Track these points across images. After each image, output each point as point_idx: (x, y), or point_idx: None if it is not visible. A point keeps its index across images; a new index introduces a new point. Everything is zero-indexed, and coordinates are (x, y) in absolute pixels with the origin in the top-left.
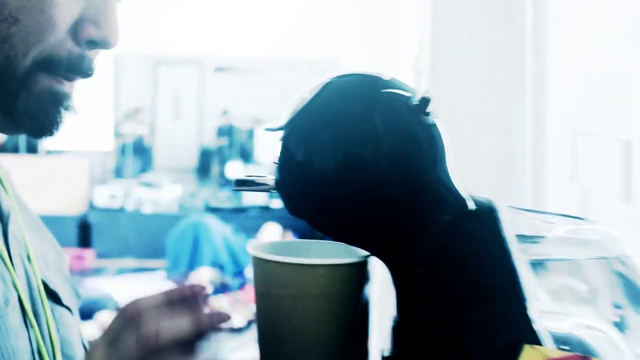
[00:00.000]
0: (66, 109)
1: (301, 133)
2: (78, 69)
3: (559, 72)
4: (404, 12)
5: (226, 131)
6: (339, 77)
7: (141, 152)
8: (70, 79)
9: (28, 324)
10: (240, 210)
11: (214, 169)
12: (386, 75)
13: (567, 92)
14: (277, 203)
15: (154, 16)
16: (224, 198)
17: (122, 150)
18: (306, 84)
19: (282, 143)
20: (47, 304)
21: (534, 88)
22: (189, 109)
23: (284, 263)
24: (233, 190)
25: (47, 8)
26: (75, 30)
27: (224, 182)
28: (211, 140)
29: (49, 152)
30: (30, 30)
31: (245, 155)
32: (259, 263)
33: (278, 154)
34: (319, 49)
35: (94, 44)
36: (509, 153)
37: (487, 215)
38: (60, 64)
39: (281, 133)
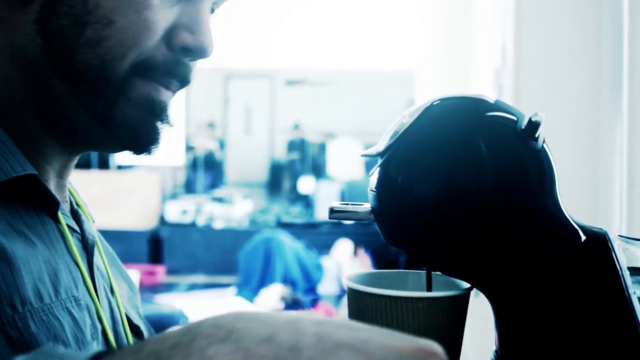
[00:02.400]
0: (164, 121)
1: (402, 159)
2: (175, 73)
3: None
4: (483, 23)
5: (297, 145)
6: (440, 100)
7: (212, 166)
8: (168, 86)
9: None
10: (312, 225)
11: (285, 183)
12: (490, 97)
13: None
14: None
15: (225, 29)
16: (295, 213)
17: (193, 164)
18: (380, 97)
19: (381, 169)
20: (131, 338)
21: (629, 105)
22: (260, 123)
23: (381, 296)
24: (329, 218)
25: (142, 9)
26: (169, 37)
27: (296, 197)
28: (282, 155)
29: (119, 167)
30: (126, 32)
31: (317, 170)
32: (355, 295)
33: (375, 181)
34: (393, 61)
35: (188, 51)
36: (598, 175)
37: (598, 245)
38: (157, 68)
39: (379, 160)
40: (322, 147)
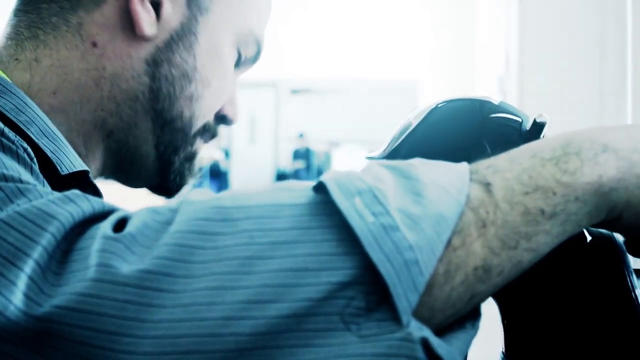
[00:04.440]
0: (194, 169)
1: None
2: (216, 135)
3: None
4: (486, 30)
5: (302, 154)
6: (445, 102)
7: (217, 175)
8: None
9: None
10: None
11: None
12: (495, 99)
13: None
14: None
15: None
16: None
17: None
18: (384, 105)
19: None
20: None
21: (634, 111)
22: (264, 132)
23: None
24: None
25: (225, 77)
26: None
27: None
28: (287, 164)
29: None
30: (215, 95)
31: None
32: None
33: None
34: (398, 70)
35: (225, 120)
36: None
37: (604, 246)
38: (210, 130)
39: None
40: (327, 156)
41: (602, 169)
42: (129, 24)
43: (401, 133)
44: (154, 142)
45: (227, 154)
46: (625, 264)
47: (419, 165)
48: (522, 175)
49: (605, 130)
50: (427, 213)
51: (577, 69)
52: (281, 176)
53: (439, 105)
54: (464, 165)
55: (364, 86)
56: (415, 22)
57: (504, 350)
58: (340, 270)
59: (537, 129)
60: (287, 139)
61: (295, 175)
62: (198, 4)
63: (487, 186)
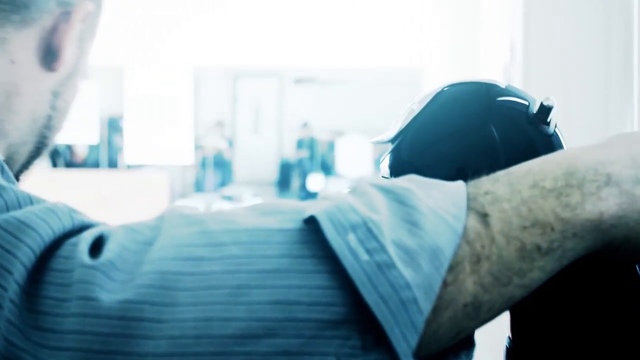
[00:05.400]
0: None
1: (413, 144)
2: None
3: None
4: (491, 18)
5: (306, 143)
6: (450, 85)
7: (221, 165)
8: None
9: None
10: None
11: (295, 181)
12: (502, 82)
13: None
14: None
15: (232, 28)
16: None
17: (203, 164)
18: (388, 94)
19: (392, 155)
20: None
21: None
22: (268, 122)
23: None
24: None
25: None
26: None
27: (305, 195)
28: (291, 153)
29: (129, 166)
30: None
31: (326, 168)
32: None
33: (386, 167)
34: (402, 59)
35: None
36: None
37: None
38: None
39: (389, 147)
40: (331, 145)
41: (604, 205)
42: (46, 54)
43: (407, 117)
44: (27, 159)
45: (231, 143)
46: None
47: (416, 189)
48: (522, 207)
49: (608, 153)
50: (424, 246)
51: (583, 57)
52: (285, 165)
53: (445, 89)
54: (461, 188)
55: (368, 75)
56: (420, 11)
57: (510, 336)
58: (333, 307)
59: (544, 112)
60: (291, 128)
61: (299, 164)
62: (82, 46)
63: (484, 217)
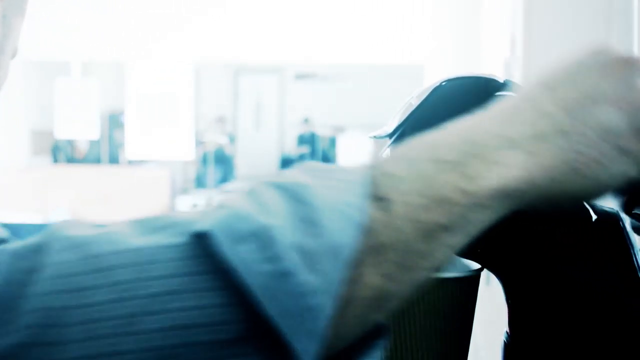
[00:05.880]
0: None
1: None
2: None
3: None
4: (492, 14)
5: (308, 139)
6: (448, 80)
7: (222, 161)
8: None
9: None
10: None
11: None
12: (500, 77)
13: None
14: None
15: (234, 24)
16: None
17: (204, 159)
18: (389, 90)
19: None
20: None
21: None
22: (269, 118)
23: None
24: None
25: None
26: None
27: None
28: (292, 149)
29: (130, 162)
30: None
31: (327, 163)
32: None
33: None
34: (402, 54)
35: None
36: None
37: (610, 225)
38: None
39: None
40: (332, 141)
41: (507, 171)
42: None
43: (405, 111)
44: None
45: (232, 139)
46: (630, 242)
47: (313, 182)
48: (422, 186)
49: (508, 115)
50: (324, 246)
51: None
52: (286, 161)
53: (443, 83)
54: (362, 173)
55: (370, 71)
56: (421, 7)
57: (508, 330)
58: (231, 325)
59: None
60: (292, 124)
61: (301, 160)
62: (7, 23)
63: (385, 203)
